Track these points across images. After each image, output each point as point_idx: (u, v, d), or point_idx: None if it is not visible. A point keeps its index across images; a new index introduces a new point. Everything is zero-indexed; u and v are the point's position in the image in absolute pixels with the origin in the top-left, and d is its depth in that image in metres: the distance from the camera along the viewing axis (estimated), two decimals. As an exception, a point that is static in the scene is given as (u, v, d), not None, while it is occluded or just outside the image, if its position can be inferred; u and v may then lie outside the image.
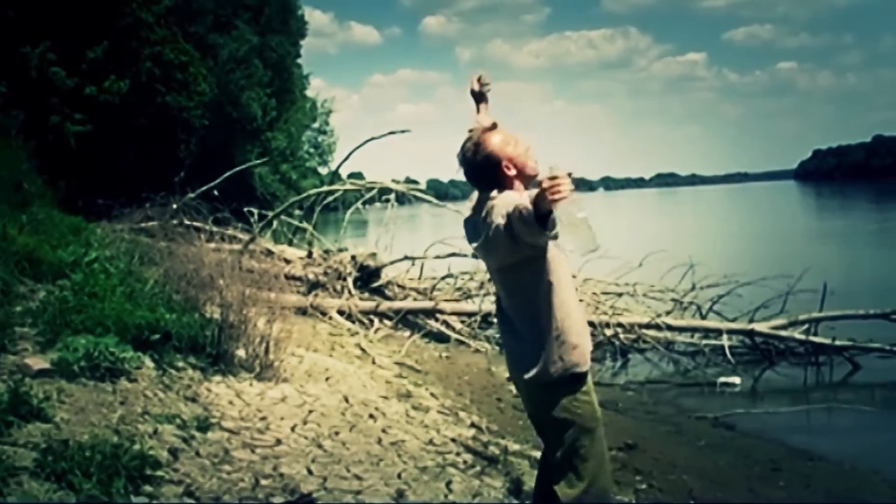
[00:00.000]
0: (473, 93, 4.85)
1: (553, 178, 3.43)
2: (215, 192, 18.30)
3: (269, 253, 16.82)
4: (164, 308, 8.34)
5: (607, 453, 4.24)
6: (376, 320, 13.85)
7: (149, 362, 7.30)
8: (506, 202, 3.95)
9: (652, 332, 13.62)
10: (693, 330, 13.91)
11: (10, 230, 9.98)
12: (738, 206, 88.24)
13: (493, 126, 4.21)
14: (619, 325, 13.53)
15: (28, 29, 33.10)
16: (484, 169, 4.16)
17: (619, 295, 14.71)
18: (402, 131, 20.45)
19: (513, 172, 4.12)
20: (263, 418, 6.91)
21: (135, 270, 10.02)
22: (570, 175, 3.47)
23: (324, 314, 13.91)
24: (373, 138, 19.68)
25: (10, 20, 32.67)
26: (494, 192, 4.09)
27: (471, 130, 4.25)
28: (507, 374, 10.69)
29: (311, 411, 7.44)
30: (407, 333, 13.56)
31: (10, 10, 32.78)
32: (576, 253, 3.92)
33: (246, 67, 58.07)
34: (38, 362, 6.29)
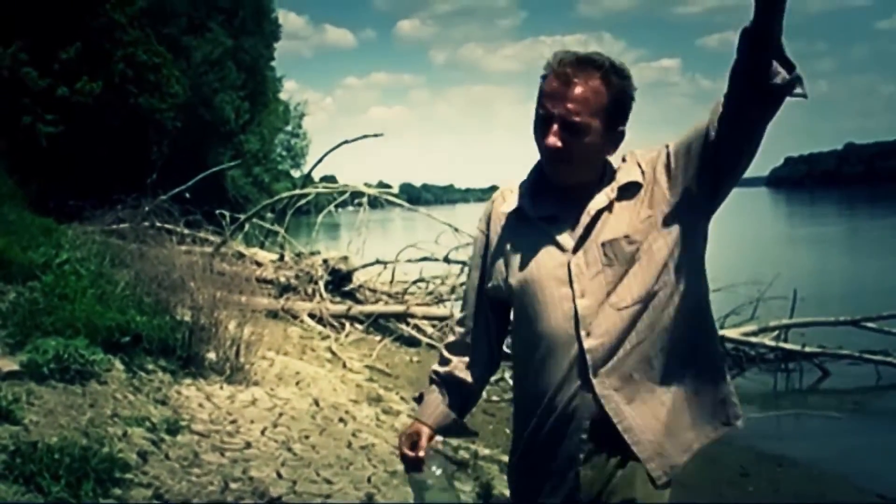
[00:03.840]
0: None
1: None
2: (187, 195, 18.27)
3: (241, 256, 16.79)
4: (135, 310, 8.29)
5: None
6: (347, 324, 13.82)
7: (119, 365, 7.26)
8: None
9: (622, 339, 13.62)
10: (663, 336, 13.93)
11: (-21, 231, 9.92)
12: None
13: None
14: (590, 331, 13.54)
15: (-1, 29, 32.86)
16: None
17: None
18: (376, 135, 20.46)
19: None
20: (233, 421, 6.89)
21: (105, 272, 9.96)
22: None
23: (295, 317, 13.91)
24: (346, 141, 19.73)
25: (-20, 20, 32.42)
26: None
27: None
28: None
29: (281, 414, 7.43)
30: (378, 337, 13.54)
31: (-19, 9, 32.51)
32: None
33: (219, 70, 57.76)
34: (7, 364, 6.24)
